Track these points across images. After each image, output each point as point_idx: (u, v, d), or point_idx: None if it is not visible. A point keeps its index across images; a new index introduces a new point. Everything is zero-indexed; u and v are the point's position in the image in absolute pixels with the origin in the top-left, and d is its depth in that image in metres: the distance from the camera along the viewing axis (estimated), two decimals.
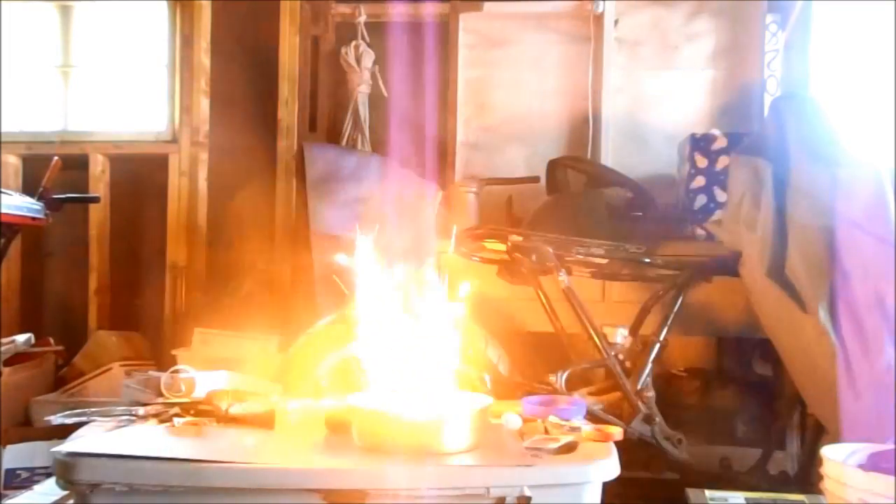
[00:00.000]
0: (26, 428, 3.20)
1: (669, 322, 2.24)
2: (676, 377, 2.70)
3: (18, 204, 2.59)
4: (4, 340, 2.94)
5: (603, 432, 1.59)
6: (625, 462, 1.50)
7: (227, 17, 3.84)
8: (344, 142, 3.56)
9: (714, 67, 3.23)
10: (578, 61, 3.34)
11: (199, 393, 1.80)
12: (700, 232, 2.73)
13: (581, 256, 2.33)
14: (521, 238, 2.39)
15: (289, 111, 3.79)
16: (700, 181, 2.74)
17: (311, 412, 1.70)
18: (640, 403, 2.16)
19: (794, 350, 1.96)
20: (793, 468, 2.15)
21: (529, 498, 1.37)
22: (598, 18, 3.28)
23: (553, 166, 3.07)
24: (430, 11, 3.42)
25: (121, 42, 4.10)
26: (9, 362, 3.13)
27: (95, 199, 3.67)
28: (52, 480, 1.49)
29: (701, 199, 2.74)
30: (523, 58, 3.35)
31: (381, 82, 3.52)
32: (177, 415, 1.72)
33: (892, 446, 1.58)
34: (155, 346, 3.84)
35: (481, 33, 3.38)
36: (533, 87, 3.36)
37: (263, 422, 1.69)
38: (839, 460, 1.56)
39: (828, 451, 1.62)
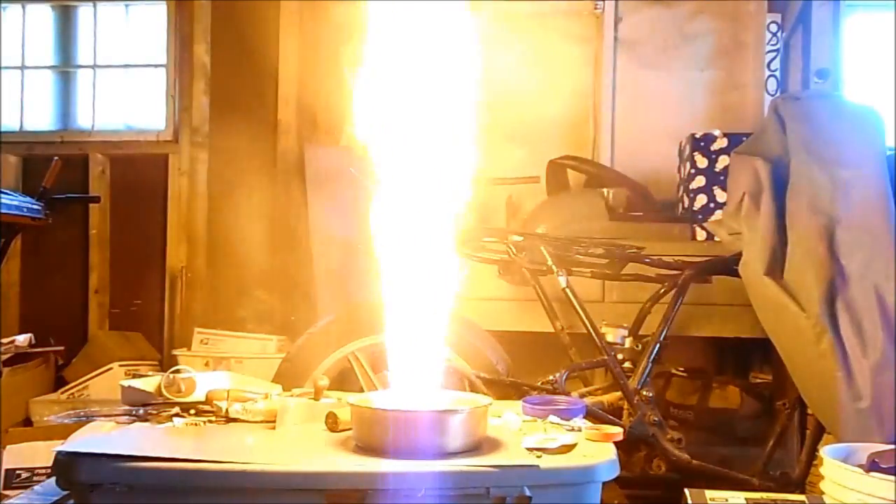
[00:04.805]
0: (26, 428, 3.20)
1: (669, 322, 2.24)
2: (676, 377, 2.70)
3: (18, 204, 2.59)
4: (4, 340, 2.94)
5: (603, 432, 1.59)
6: (625, 462, 1.50)
7: (227, 17, 3.85)
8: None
9: (714, 67, 3.24)
10: (579, 61, 3.34)
11: (199, 393, 1.80)
12: (700, 232, 2.73)
13: (581, 256, 2.33)
14: (520, 238, 2.39)
15: (289, 111, 3.79)
16: (700, 181, 2.74)
17: (311, 412, 1.70)
18: (639, 403, 2.16)
19: (794, 350, 1.96)
20: (793, 468, 2.15)
21: (529, 498, 1.37)
22: (599, 18, 3.29)
23: (553, 166, 3.07)
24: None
25: (121, 42, 4.10)
26: (9, 362, 3.13)
27: (95, 199, 3.67)
28: (52, 480, 1.49)
29: (701, 199, 2.74)
30: (523, 58, 3.35)
31: None
32: (177, 415, 1.72)
33: (892, 446, 1.57)
34: (155, 346, 3.84)
35: (482, 33, 3.37)
36: (533, 87, 3.35)
37: (263, 422, 1.69)
38: (839, 460, 1.56)
39: (828, 452, 1.62)
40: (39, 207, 2.68)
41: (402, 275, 1.64)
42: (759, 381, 2.81)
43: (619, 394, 2.22)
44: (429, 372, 1.65)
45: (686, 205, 2.80)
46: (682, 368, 2.70)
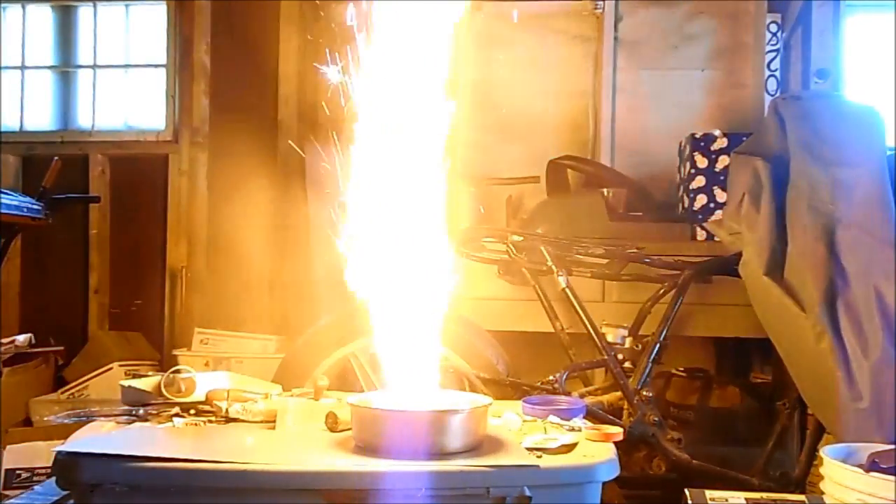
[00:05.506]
0: (26, 428, 3.20)
1: (669, 322, 2.24)
2: (676, 377, 2.70)
3: (18, 204, 2.59)
4: (4, 340, 2.93)
5: (603, 432, 1.59)
6: (625, 462, 1.50)
7: (227, 17, 3.85)
8: None
9: (714, 67, 3.23)
10: (579, 61, 3.33)
11: (199, 393, 1.80)
12: (700, 232, 2.73)
13: (581, 256, 2.33)
14: (520, 238, 2.39)
15: (289, 111, 3.79)
16: (700, 181, 2.74)
17: (311, 412, 1.70)
18: (639, 403, 2.16)
19: (794, 350, 1.96)
20: (793, 468, 2.15)
21: (530, 498, 1.37)
22: (599, 18, 3.28)
23: (553, 166, 3.07)
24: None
25: (121, 42, 4.10)
26: (9, 362, 3.13)
27: (95, 199, 3.67)
28: (52, 480, 1.49)
29: (701, 199, 2.74)
30: (523, 58, 3.35)
31: None
32: (177, 415, 1.72)
33: (892, 446, 1.57)
34: (155, 346, 3.84)
35: (481, 33, 3.37)
36: (533, 86, 3.35)
37: (263, 422, 1.69)
38: (839, 460, 1.56)
39: (828, 452, 1.62)
40: (39, 207, 2.68)
41: (401, 275, 1.64)
42: (759, 381, 2.81)
43: (619, 394, 2.22)
44: (428, 372, 1.65)
45: (686, 205, 2.80)
46: (682, 368, 2.70)
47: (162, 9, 3.99)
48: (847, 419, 1.79)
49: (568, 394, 2.14)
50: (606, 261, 2.35)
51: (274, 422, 1.67)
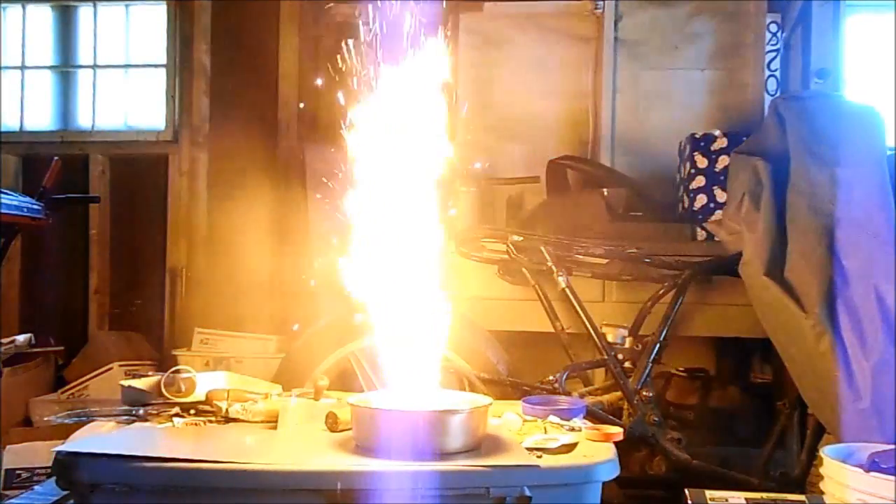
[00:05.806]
0: (26, 428, 3.20)
1: (669, 322, 2.24)
2: (676, 377, 2.70)
3: (18, 204, 2.59)
4: (4, 340, 2.93)
5: (603, 432, 1.59)
6: (625, 462, 1.50)
7: (227, 17, 3.85)
8: None
9: (714, 67, 3.23)
10: (579, 61, 3.33)
11: (199, 393, 1.80)
12: (700, 232, 2.73)
13: (581, 256, 2.33)
14: (520, 238, 2.39)
15: (289, 111, 3.79)
16: (700, 181, 2.73)
17: (311, 412, 1.70)
18: (639, 403, 2.16)
19: (794, 350, 1.96)
20: (793, 468, 2.15)
21: (529, 498, 1.37)
22: (599, 18, 3.28)
23: (553, 166, 3.07)
24: (429, 11, 3.42)
25: (121, 42, 4.10)
26: (9, 362, 3.13)
27: (95, 199, 3.67)
28: (52, 480, 1.49)
29: (701, 199, 2.74)
30: (523, 58, 3.35)
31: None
32: (177, 415, 1.72)
33: (892, 446, 1.57)
34: (155, 346, 3.84)
35: (481, 33, 3.37)
36: (533, 86, 3.35)
37: (263, 422, 1.70)
38: (839, 460, 1.56)
39: (828, 452, 1.62)
40: (39, 207, 2.68)
41: (401, 276, 1.64)
42: (759, 381, 2.81)
43: (619, 394, 2.22)
44: (428, 372, 1.65)
45: (686, 205, 2.80)
46: (682, 368, 2.70)
47: (162, 9, 3.99)
48: (847, 419, 1.79)
49: (568, 394, 2.14)
50: (606, 261, 2.35)
51: (274, 422, 1.67)
